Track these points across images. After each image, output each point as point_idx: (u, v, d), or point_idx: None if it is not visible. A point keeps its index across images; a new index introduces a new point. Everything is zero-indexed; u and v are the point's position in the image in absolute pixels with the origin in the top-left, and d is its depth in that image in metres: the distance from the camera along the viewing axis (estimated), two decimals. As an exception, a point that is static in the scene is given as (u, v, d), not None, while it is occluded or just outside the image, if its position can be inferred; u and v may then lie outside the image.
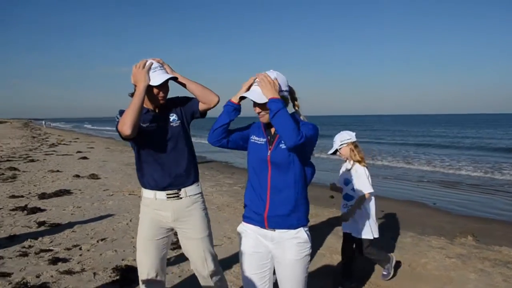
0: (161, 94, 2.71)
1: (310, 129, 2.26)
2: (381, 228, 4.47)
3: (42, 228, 5.93)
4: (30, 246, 5.07)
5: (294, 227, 2.33)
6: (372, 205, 4.09)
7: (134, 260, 4.58)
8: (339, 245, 4.52)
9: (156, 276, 2.83)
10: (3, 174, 11.22)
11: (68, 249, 5.00)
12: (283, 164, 2.29)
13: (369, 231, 4.04)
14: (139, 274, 2.84)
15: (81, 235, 5.62)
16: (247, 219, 2.45)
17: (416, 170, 15.65)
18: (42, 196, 8.13)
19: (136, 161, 2.85)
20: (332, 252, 5.06)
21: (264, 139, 2.39)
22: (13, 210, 6.99)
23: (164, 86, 2.72)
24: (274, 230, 2.34)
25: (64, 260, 4.59)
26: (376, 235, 4.08)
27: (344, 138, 4.09)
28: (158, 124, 2.77)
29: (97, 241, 5.34)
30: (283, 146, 2.28)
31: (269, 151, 2.33)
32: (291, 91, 2.43)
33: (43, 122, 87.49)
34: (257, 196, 2.37)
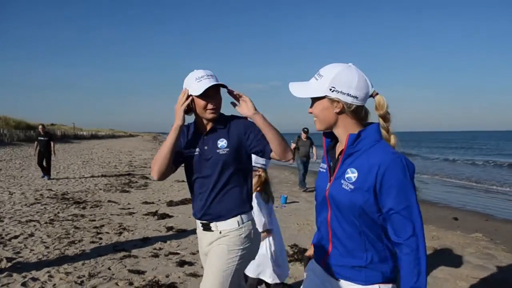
0: (209, 106, 2.36)
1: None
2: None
3: (170, 232, 6.47)
4: (160, 248, 5.57)
5: (363, 282, 1.70)
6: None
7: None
8: (464, 271, 4.23)
9: None
10: (136, 182, 12.46)
11: (193, 253, 5.38)
12: (344, 206, 1.65)
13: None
14: None
15: (204, 242, 6.00)
16: (314, 257, 1.94)
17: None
18: (170, 203, 8.85)
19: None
20: (456, 278, 4.75)
21: (326, 166, 1.82)
22: (145, 214, 7.73)
23: (212, 97, 2.36)
24: (338, 280, 1.76)
25: (190, 264, 4.95)
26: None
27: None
28: (201, 150, 2.44)
29: (219, 248, 5.66)
30: (348, 184, 1.63)
31: (329, 184, 1.72)
32: (375, 100, 1.71)
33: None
34: (319, 235, 1.86)
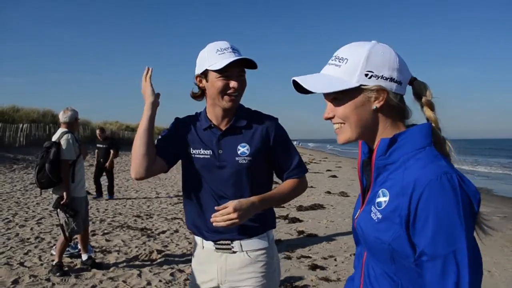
0: (231, 85, 1.80)
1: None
2: None
3: (301, 236, 6.57)
4: (292, 251, 5.69)
5: None
6: None
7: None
8: None
9: None
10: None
11: (325, 258, 5.41)
12: (371, 242, 1.18)
13: None
14: None
15: (335, 247, 6.00)
16: None
17: None
18: (300, 208, 9.00)
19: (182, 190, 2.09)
20: None
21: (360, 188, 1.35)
22: (276, 218, 7.96)
23: (235, 74, 1.80)
24: None
25: (322, 268, 4.99)
26: None
27: None
28: (214, 153, 1.88)
29: (350, 255, 5.60)
30: (377, 212, 1.15)
31: (359, 211, 1.26)
32: (415, 86, 1.21)
33: (295, 142, 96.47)
34: (354, 272, 1.39)
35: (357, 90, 1.15)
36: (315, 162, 26.88)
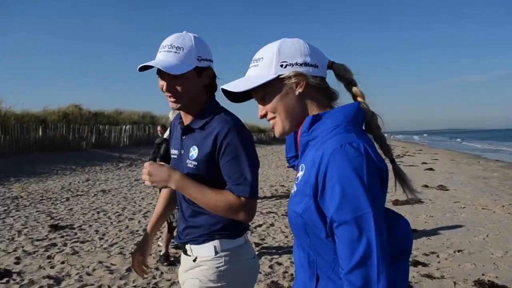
0: (165, 87, 1.68)
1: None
2: None
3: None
4: (390, 246, 5.56)
5: None
6: None
7: (496, 277, 4.39)
8: None
9: None
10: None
11: (426, 254, 5.21)
12: (290, 220, 1.22)
13: None
14: None
15: (436, 244, 5.74)
16: None
17: None
18: (396, 202, 8.71)
19: None
20: None
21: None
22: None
23: (163, 75, 1.67)
24: None
25: (424, 264, 4.82)
26: None
27: None
28: (179, 153, 1.82)
29: (454, 252, 5.34)
30: (295, 186, 1.20)
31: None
32: (335, 68, 1.27)
33: (386, 134, 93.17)
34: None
35: (277, 82, 1.21)
36: (409, 155, 25.79)
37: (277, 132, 1.26)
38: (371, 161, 1.05)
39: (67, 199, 9.52)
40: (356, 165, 1.03)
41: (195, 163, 1.70)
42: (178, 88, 1.67)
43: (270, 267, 4.76)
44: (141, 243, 2.03)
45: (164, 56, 1.65)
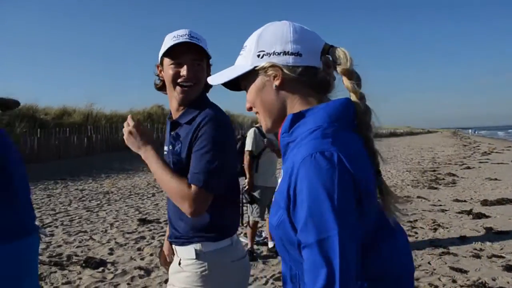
0: (182, 73, 1.67)
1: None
2: None
3: (490, 233, 6.00)
4: (481, 249, 5.25)
5: None
6: None
7: None
8: None
9: None
10: (443, 179, 12.07)
11: (522, 259, 4.87)
12: (274, 237, 1.10)
13: None
14: None
15: (533, 247, 5.34)
16: None
17: None
18: (484, 202, 8.20)
19: None
20: None
21: None
22: (459, 212, 7.41)
23: (188, 62, 1.67)
24: None
25: (519, 269, 4.51)
26: None
27: None
28: (167, 149, 1.82)
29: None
30: (275, 193, 1.10)
31: None
32: (331, 54, 1.10)
33: (470, 130, 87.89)
34: None
35: (254, 74, 1.10)
36: (496, 152, 24.08)
37: (263, 128, 1.18)
38: (345, 173, 0.91)
39: (153, 194, 10.02)
40: (325, 178, 0.90)
41: (178, 157, 1.70)
42: (197, 78, 1.71)
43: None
44: (166, 241, 2.06)
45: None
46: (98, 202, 8.96)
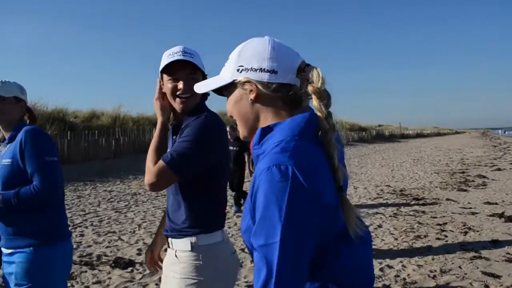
0: (179, 86, 1.87)
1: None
2: None
3: (524, 237, 5.84)
4: (514, 253, 5.12)
5: None
6: None
7: None
8: None
9: None
10: (473, 181, 11.80)
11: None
12: (245, 241, 1.16)
13: None
14: None
15: None
16: None
17: None
18: (501, 215, 7.97)
19: None
20: None
21: None
22: (490, 216, 7.23)
23: (183, 77, 1.86)
24: None
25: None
26: None
27: None
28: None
29: None
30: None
31: None
32: (306, 72, 1.15)
33: (500, 131, 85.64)
34: None
35: (233, 86, 1.18)
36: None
37: (240, 135, 1.26)
38: (298, 187, 0.96)
39: (179, 196, 10.11)
40: (277, 190, 0.97)
41: None
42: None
43: (381, 270, 4.63)
44: (152, 243, 2.26)
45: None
46: (126, 203, 9.12)
